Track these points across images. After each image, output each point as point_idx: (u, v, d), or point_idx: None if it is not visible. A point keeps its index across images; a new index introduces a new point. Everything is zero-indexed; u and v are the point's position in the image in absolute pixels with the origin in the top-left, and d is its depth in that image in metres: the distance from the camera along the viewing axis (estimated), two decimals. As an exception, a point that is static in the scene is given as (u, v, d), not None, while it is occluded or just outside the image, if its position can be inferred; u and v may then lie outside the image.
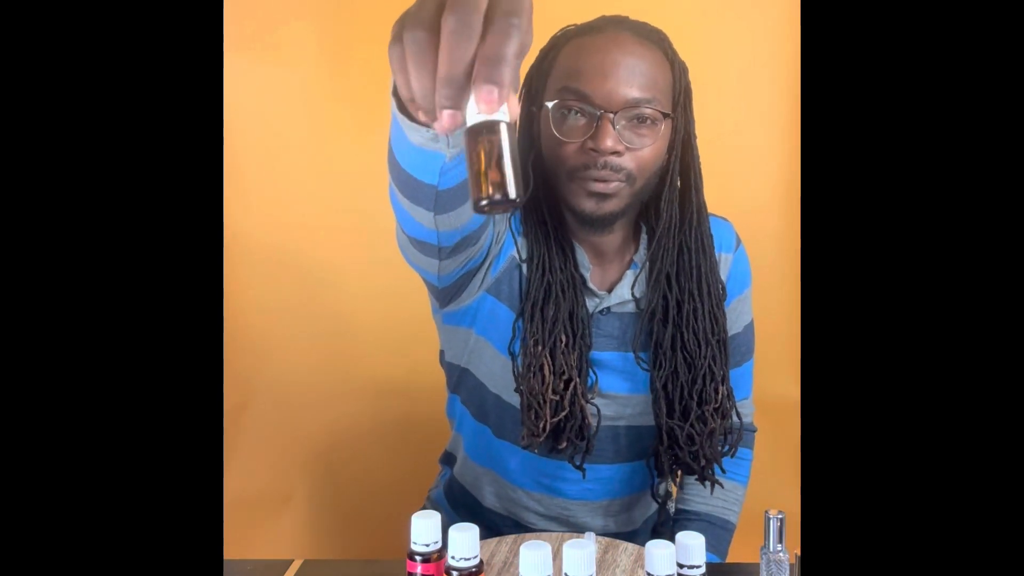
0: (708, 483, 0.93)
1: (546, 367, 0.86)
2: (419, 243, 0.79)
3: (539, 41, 0.91)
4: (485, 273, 0.91)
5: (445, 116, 0.42)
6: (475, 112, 0.41)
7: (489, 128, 0.41)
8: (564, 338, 0.88)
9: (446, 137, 0.59)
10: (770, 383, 1.43)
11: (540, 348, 0.87)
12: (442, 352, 1.04)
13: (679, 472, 0.95)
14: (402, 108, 0.55)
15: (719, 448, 0.92)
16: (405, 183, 0.68)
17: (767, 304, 1.39)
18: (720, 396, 0.90)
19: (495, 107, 0.41)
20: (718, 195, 1.21)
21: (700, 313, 0.90)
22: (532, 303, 0.89)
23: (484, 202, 0.41)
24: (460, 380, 1.01)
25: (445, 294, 0.93)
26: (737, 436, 0.94)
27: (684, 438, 0.90)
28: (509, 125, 0.42)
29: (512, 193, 0.41)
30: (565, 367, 0.87)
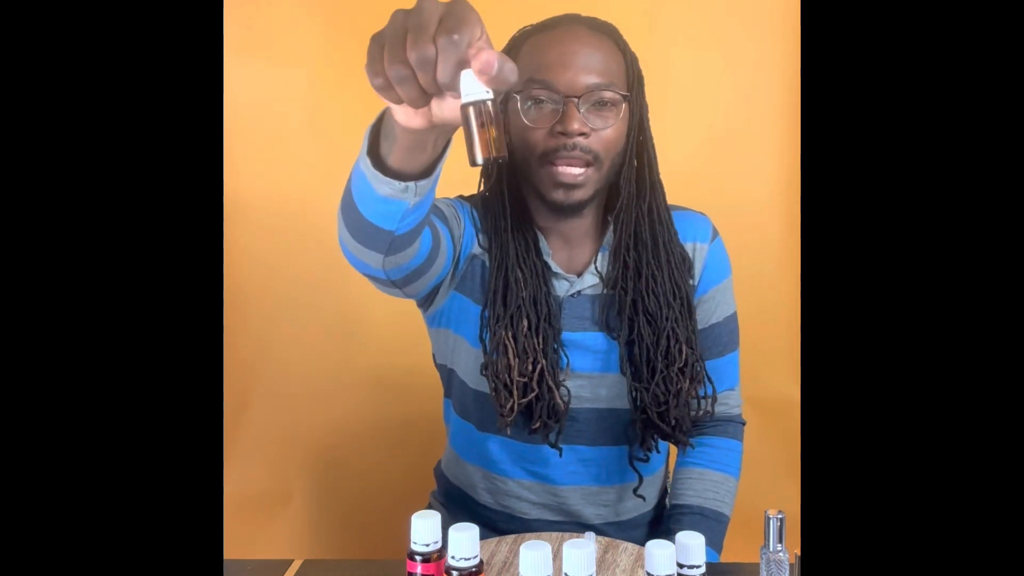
0: (681, 446, 0.97)
1: (510, 350, 0.91)
2: (372, 279, 0.85)
3: (500, 41, 0.95)
4: (452, 276, 0.97)
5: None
6: (468, 88, 0.52)
7: (479, 103, 0.52)
8: (527, 322, 0.92)
9: (412, 185, 0.66)
10: (770, 383, 1.43)
11: (502, 332, 0.92)
12: (434, 355, 1.07)
13: (655, 437, 0.98)
14: (376, 164, 0.65)
15: (688, 411, 0.95)
16: (363, 231, 0.74)
17: (767, 303, 1.39)
18: (685, 356, 0.94)
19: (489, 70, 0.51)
20: (719, 194, 1.21)
21: (660, 278, 0.95)
22: (494, 291, 0.94)
23: (479, 160, 0.53)
24: (449, 381, 1.05)
25: (423, 303, 1.00)
26: (712, 401, 0.98)
27: (651, 398, 0.94)
28: (493, 100, 0.52)
29: (504, 151, 0.53)
30: (530, 350, 0.92)
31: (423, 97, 0.53)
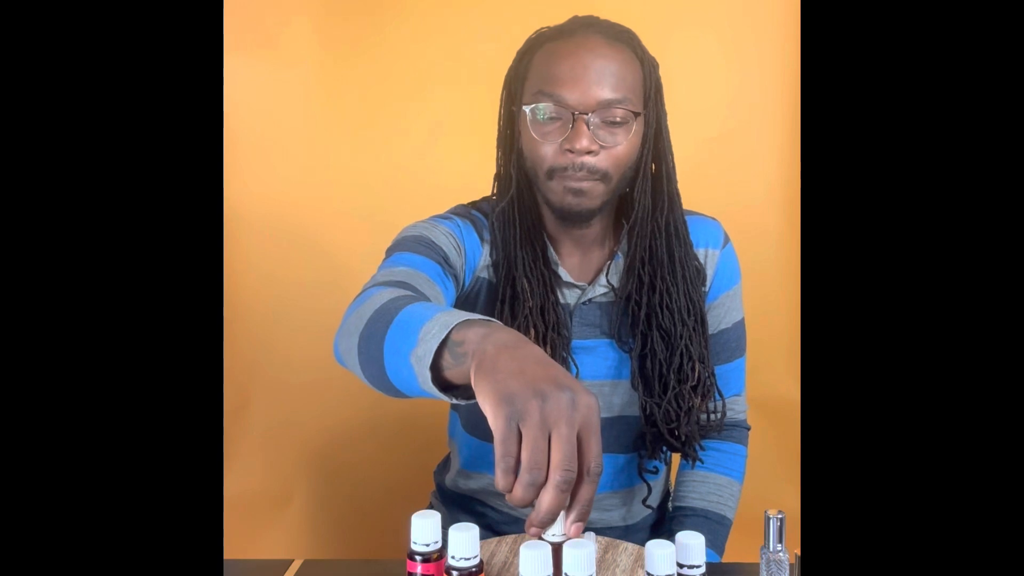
0: (690, 460, 0.97)
1: None
2: None
3: (517, 43, 0.95)
4: (455, 299, 0.94)
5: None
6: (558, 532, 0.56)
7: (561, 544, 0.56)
8: (533, 331, 0.91)
9: (460, 399, 0.63)
10: (770, 383, 1.43)
11: None
12: None
13: (664, 449, 0.98)
14: (440, 386, 0.61)
15: (696, 426, 0.95)
16: (381, 384, 0.69)
17: (767, 304, 1.39)
18: (698, 374, 0.93)
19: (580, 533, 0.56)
20: (719, 194, 1.21)
21: (675, 294, 0.94)
22: (501, 300, 0.92)
23: None
24: None
25: None
26: (721, 416, 0.98)
27: (662, 415, 0.93)
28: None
29: None
30: None
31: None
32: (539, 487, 0.52)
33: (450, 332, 0.60)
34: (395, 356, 0.64)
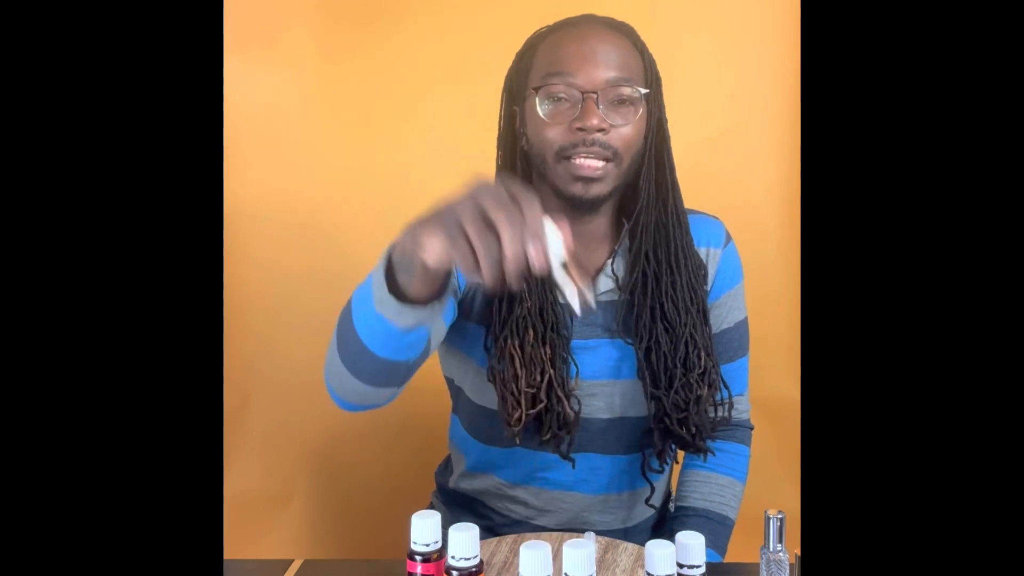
0: (701, 453, 0.95)
1: (516, 360, 0.89)
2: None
3: (516, 44, 0.96)
4: (456, 307, 0.94)
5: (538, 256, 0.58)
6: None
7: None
8: (532, 332, 0.90)
9: (437, 303, 0.69)
10: (770, 383, 1.43)
11: (508, 342, 0.90)
12: (441, 365, 1.06)
13: (672, 446, 0.97)
14: (397, 295, 0.67)
15: (707, 416, 0.94)
16: (379, 373, 0.73)
17: (767, 304, 1.39)
18: (703, 362, 0.93)
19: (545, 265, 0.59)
20: (719, 194, 1.21)
21: (678, 284, 0.94)
22: (499, 299, 0.92)
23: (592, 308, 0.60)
24: (457, 397, 1.05)
25: None
26: (729, 407, 0.97)
27: (671, 405, 0.92)
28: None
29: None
30: (537, 360, 0.90)
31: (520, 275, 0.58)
32: (499, 260, 0.57)
33: (389, 256, 0.67)
34: (364, 320, 0.69)
